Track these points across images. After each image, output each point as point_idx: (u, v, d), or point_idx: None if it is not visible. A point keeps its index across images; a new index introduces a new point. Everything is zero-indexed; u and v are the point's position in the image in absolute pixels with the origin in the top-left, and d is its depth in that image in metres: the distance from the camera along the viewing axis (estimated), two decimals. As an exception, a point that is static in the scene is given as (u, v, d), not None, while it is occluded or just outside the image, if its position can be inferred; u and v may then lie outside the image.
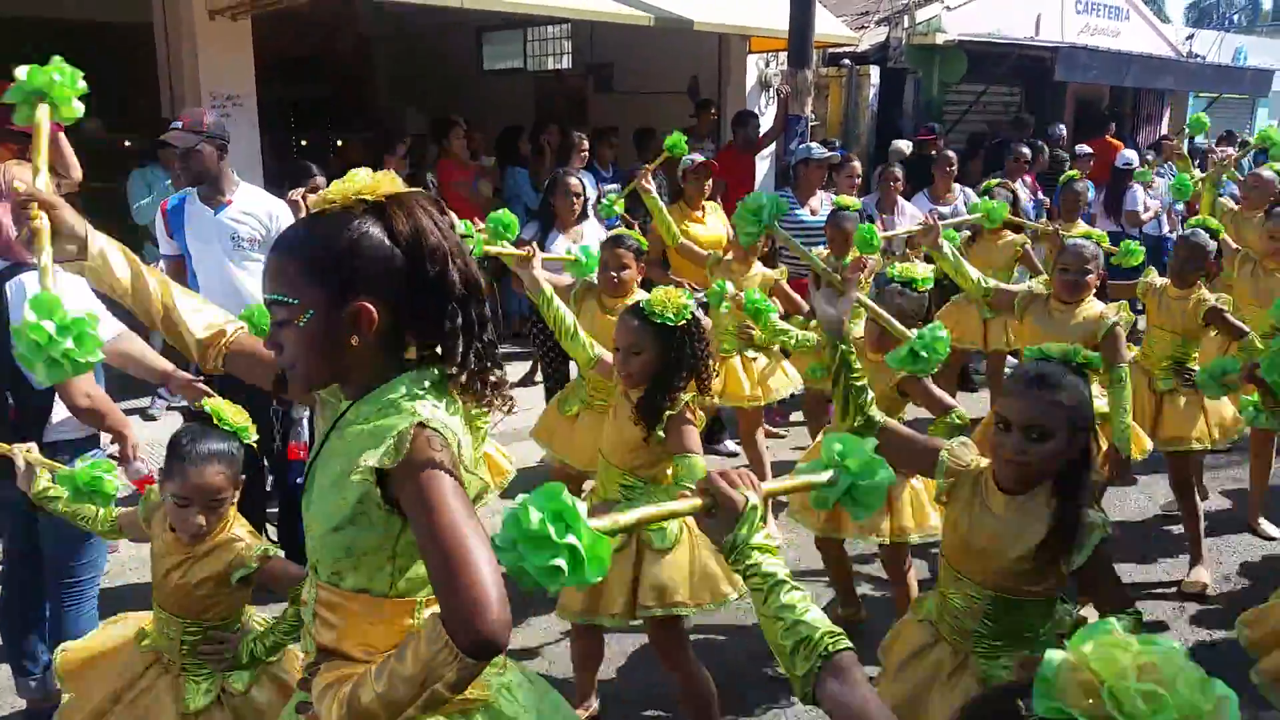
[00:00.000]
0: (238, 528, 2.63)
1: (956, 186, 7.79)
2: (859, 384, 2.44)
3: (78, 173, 4.80)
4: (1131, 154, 9.76)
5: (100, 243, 1.89)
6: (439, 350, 1.71)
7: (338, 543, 1.68)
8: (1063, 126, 11.77)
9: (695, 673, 3.19)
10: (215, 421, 2.58)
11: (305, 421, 4.23)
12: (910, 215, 7.16)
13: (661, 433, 3.03)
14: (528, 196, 8.23)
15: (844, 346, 2.42)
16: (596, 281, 4.46)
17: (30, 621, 3.45)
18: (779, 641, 1.48)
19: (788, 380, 5.32)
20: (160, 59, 7.53)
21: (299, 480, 4.40)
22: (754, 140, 8.76)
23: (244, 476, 2.63)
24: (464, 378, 1.70)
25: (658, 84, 11.38)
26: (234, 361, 2.03)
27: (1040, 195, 9.05)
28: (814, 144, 7.28)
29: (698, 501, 1.60)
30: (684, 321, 3.01)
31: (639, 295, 4.35)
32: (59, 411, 3.17)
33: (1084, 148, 10.23)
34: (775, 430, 6.66)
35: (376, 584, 1.72)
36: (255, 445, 2.68)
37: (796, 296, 5.33)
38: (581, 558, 1.32)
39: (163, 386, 3.66)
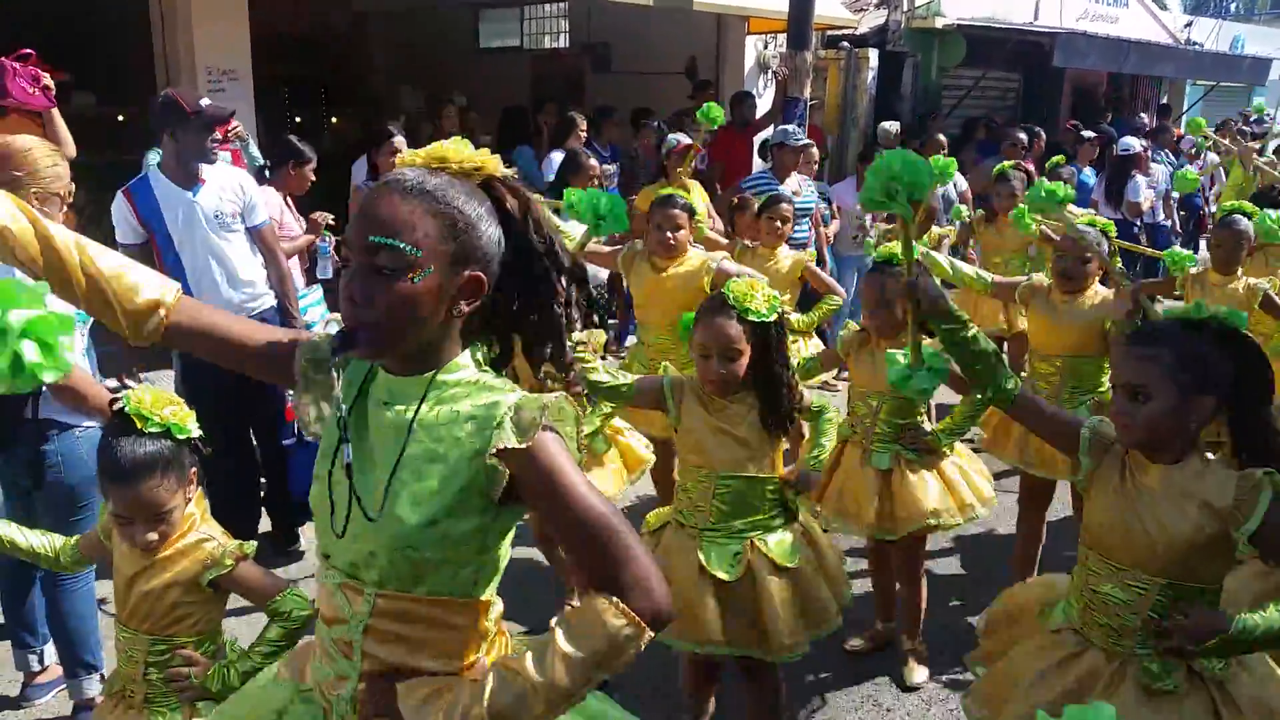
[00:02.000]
0: (204, 526, 2.35)
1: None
2: (986, 353, 2.32)
3: (71, 148, 4.75)
4: (1132, 140, 9.74)
5: None
6: (527, 339, 1.62)
7: (428, 538, 1.51)
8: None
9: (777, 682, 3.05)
10: (138, 423, 2.21)
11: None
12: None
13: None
14: (534, 177, 8.22)
15: (952, 328, 2.32)
16: (643, 245, 4.35)
17: (27, 596, 3.44)
18: None
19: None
20: (155, 34, 7.48)
21: (286, 442, 4.39)
22: (750, 121, 8.74)
23: (196, 470, 2.33)
24: (557, 359, 1.62)
25: (655, 64, 11.34)
26: (179, 335, 1.68)
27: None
28: (789, 127, 7.29)
29: None
30: (777, 314, 2.83)
31: (692, 256, 4.29)
32: None
33: (1088, 133, 10.21)
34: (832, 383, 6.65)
35: (459, 584, 1.56)
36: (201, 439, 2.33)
37: (827, 277, 5.18)
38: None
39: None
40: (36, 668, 3.49)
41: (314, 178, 5.32)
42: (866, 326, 3.60)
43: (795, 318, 4.07)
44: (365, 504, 1.54)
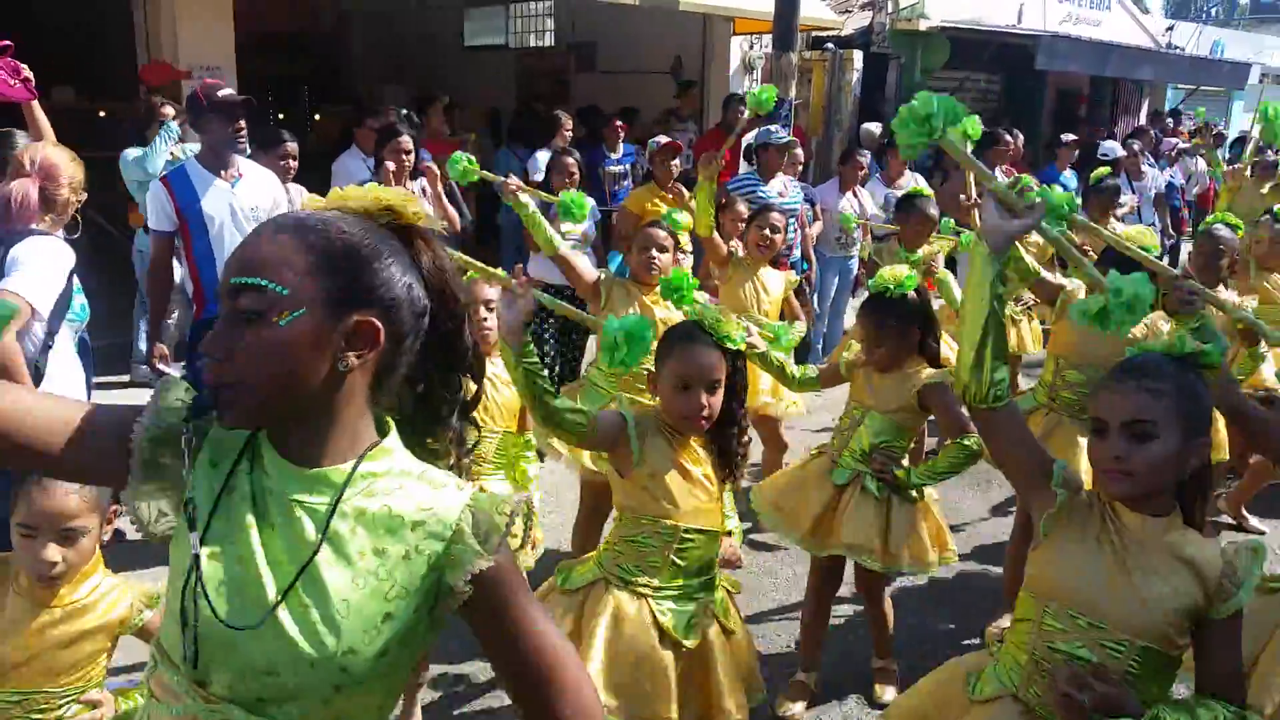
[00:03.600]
0: (108, 577, 2.20)
1: (907, 171, 7.82)
2: (1003, 331, 1.99)
3: (53, 139, 4.72)
4: (1113, 144, 9.79)
5: None
6: (424, 417, 1.41)
7: (371, 671, 1.25)
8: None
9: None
10: None
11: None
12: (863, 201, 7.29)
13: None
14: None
15: (1002, 275, 1.94)
16: (627, 272, 4.24)
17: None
18: None
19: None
20: (139, 29, 7.42)
21: None
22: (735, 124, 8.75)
23: (114, 513, 2.16)
24: (449, 458, 1.42)
25: (641, 63, 11.34)
26: None
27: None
28: (772, 128, 7.30)
29: None
30: (743, 344, 2.62)
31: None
32: None
33: (1067, 135, 10.26)
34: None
35: (369, 713, 1.33)
36: None
37: (797, 307, 5.04)
38: None
39: None
40: None
41: (294, 165, 5.25)
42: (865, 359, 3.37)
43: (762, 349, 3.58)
44: (228, 615, 1.22)
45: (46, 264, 3.11)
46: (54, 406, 1.33)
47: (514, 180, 4.46)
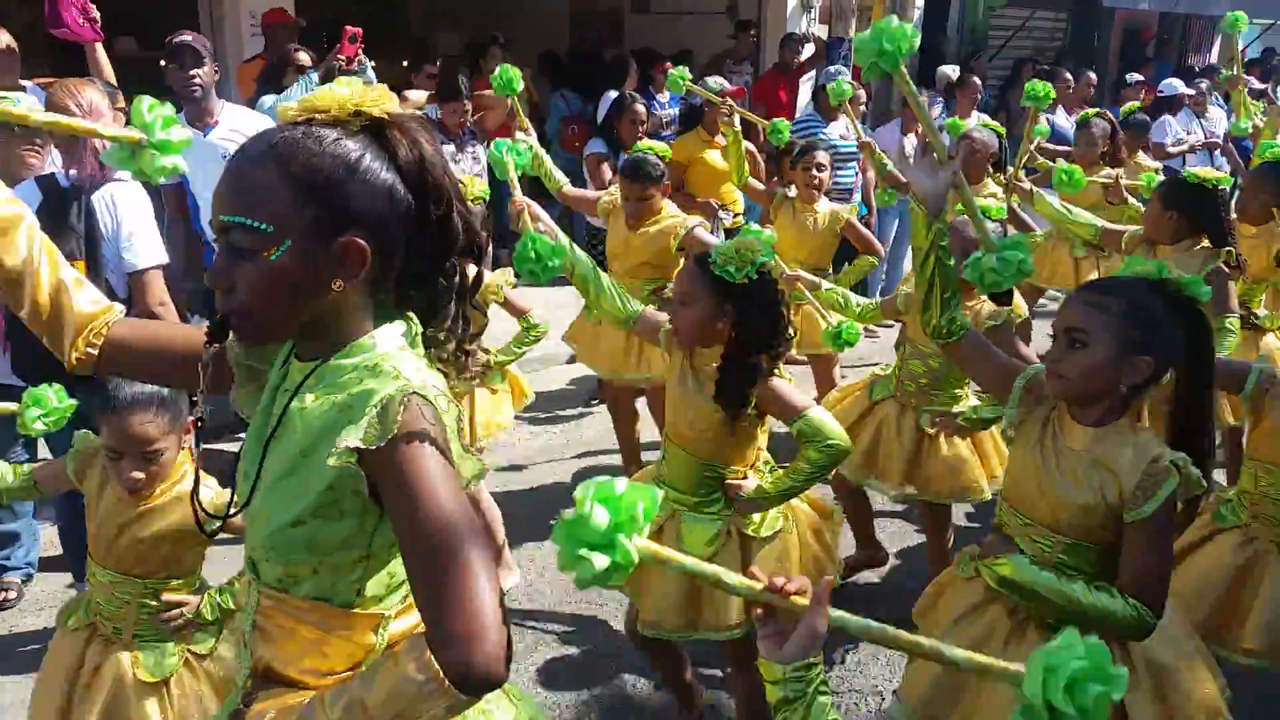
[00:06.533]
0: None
1: (976, 113, 7.65)
2: (952, 275, 2.21)
3: (112, 80, 4.79)
4: (1176, 82, 9.48)
5: None
6: (423, 306, 1.47)
7: (296, 539, 1.37)
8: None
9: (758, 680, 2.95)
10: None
11: None
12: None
13: (752, 411, 2.63)
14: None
15: (939, 225, 2.16)
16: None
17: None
18: None
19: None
20: (198, -23, 7.47)
21: None
22: (794, 64, 8.61)
23: (194, 421, 2.25)
24: (450, 344, 1.47)
25: (696, 4, 11.20)
26: (112, 358, 1.57)
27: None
28: (832, 68, 7.18)
29: (758, 587, 1.29)
30: (747, 279, 2.56)
31: (667, 215, 4.31)
32: None
33: (1133, 75, 9.96)
34: None
35: (340, 592, 1.42)
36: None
37: (866, 233, 5.06)
38: (622, 567, 1.14)
39: None
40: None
41: None
42: None
43: (826, 287, 3.83)
44: (240, 493, 1.45)
45: (148, 217, 3.30)
46: (183, 333, 1.60)
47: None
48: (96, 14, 3.99)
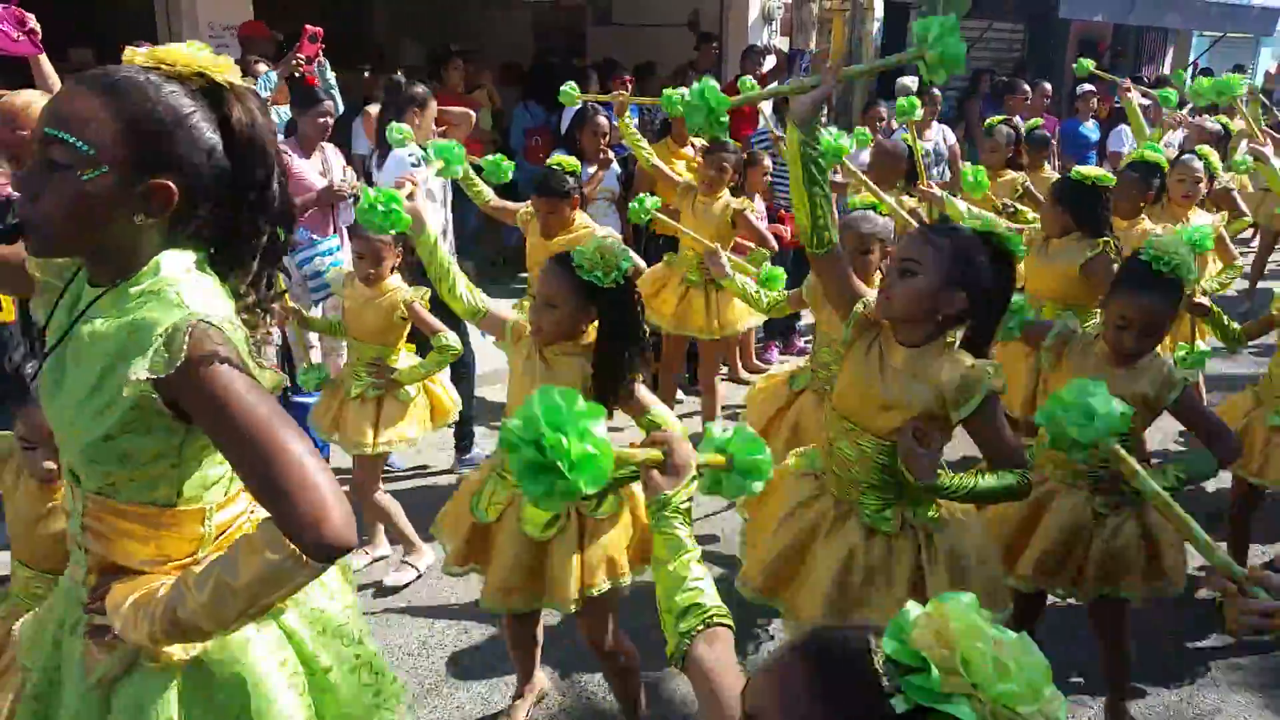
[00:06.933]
0: None
1: (935, 124, 7.77)
2: (824, 190, 2.43)
3: None
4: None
5: None
6: (228, 259, 1.59)
7: (110, 452, 1.50)
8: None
9: (627, 647, 2.99)
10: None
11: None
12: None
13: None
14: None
15: (809, 142, 2.38)
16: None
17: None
18: (673, 599, 1.46)
19: (748, 313, 5.07)
20: (156, -13, 7.41)
21: None
22: (757, 75, 8.66)
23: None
24: (250, 298, 1.59)
25: (658, 16, 11.24)
26: None
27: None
28: (796, 79, 7.27)
29: (656, 453, 1.55)
30: (614, 284, 2.63)
31: (580, 226, 4.51)
32: None
33: (1084, 86, 10.13)
34: (761, 365, 6.73)
35: (160, 495, 1.56)
36: None
37: (761, 228, 5.24)
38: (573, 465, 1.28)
39: None
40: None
41: (331, 119, 5.23)
42: None
43: (740, 279, 3.93)
44: (44, 405, 1.57)
45: None
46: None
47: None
48: (35, 25, 3.76)
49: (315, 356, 4.56)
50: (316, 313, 4.72)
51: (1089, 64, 6.71)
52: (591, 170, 5.67)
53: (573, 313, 2.68)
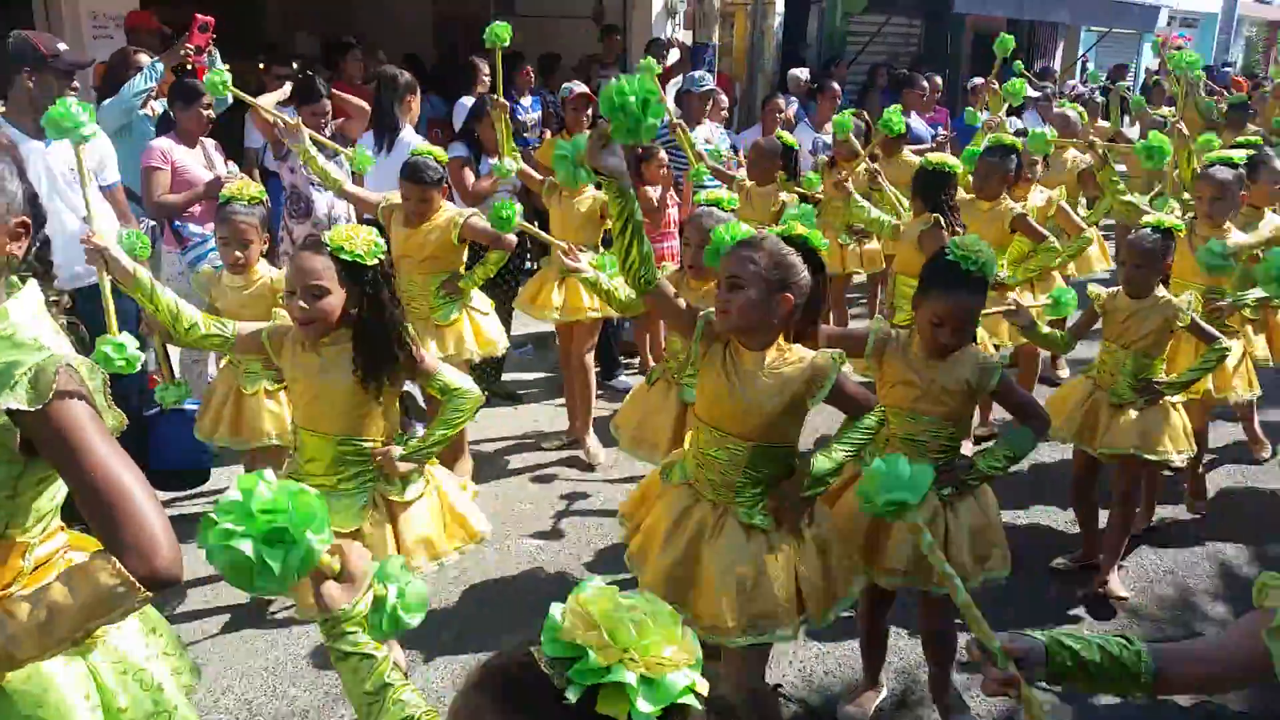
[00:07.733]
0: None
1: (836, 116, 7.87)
2: (644, 239, 2.50)
3: None
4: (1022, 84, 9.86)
5: None
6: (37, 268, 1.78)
7: None
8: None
9: None
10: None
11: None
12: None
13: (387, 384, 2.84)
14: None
15: (631, 193, 2.42)
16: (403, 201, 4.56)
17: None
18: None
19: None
20: (33, -26, 7.07)
21: (148, 413, 4.03)
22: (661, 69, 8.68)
23: None
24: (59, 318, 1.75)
25: (562, 8, 11.18)
26: None
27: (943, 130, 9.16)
28: (695, 73, 7.29)
29: (332, 562, 1.45)
30: (376, 260, 2.71)
31: (443, 212, 4.52)
32: None
33: (975, 80, 10.39)
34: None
35: None
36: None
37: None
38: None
39: None
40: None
41: (211, 114, 5.06)
42: (686, 265, 3.88)
43: (592, 274, 3.77)
44: None
45: None
46: None
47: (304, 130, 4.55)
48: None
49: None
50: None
51: (1010, 40, 6.74)
52: (493, 162, 5.59)
53: (340, 298, 2.72)
